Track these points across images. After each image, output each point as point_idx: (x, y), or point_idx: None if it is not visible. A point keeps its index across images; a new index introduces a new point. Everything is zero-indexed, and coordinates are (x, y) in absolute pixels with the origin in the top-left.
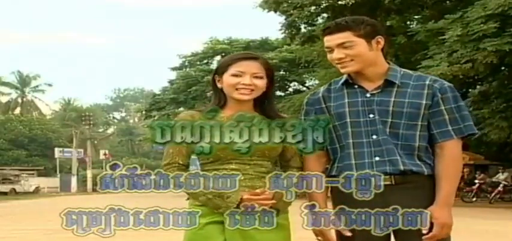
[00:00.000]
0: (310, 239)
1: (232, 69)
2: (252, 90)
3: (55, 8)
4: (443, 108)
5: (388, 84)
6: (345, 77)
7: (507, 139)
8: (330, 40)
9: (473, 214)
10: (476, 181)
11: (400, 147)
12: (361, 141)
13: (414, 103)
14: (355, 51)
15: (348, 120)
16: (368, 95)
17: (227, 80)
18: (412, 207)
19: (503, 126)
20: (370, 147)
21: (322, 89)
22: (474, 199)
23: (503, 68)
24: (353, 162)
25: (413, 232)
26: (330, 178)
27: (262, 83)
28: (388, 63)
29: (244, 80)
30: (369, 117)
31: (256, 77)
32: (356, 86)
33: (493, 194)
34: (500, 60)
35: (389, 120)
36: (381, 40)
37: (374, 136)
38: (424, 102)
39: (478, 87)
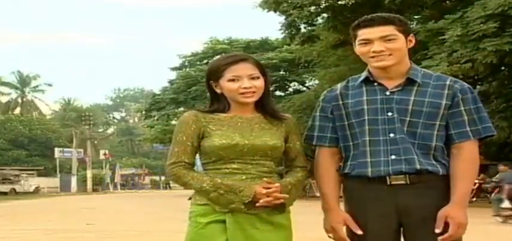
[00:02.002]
0: (315, 239)
1: (228, 75)
2: (254, 92)
3: (55, 8)
4: (462, 108)
5: (409, 82)
6: (365, 74)
7: (507, 139)
8: (371, 32)
9: (473, 214)
10: (476, 181)
11: (417, 146)
12: (378, 139)
13: (434, 102)
14: (396, 46)
15: (366, 117)
16: (387, 93)
17: (226, 86)
18: (424, 207)
19: (503, 126)
20: (386, 146)
21: (339, 85)
22: (474, 199)
23: (503, 68)
24: (368, 159)
25: (424, 231)
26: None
27: (260, 83)
28: (410, 62)
29: (243, 84)
30: (387, 115)
31: (253, 78)
32: (375, 84)
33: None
34: (500, 60)
35: (408, 118)
36: (412, 39)
37: (391, 135)
38: (444, 102)
39: (478, 87)
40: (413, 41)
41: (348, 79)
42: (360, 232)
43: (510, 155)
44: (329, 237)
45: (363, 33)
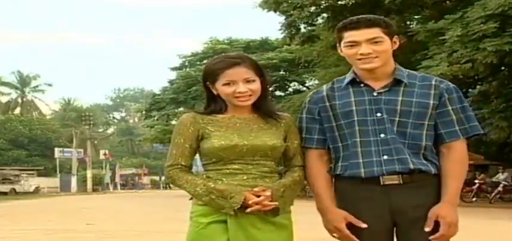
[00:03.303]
0: (315, 239)
1: (223, 79)
2: (250, 95)
3: (55, 8)
4: (450, 108)
5: (396, 83)
6: (350, 75)
7: (507, 139)
8: (358, 35)
9: (473, 214)
10: (476, 181)
11: (408, 146)
12: (369, 139)
13: (422, 102)
14: (382, 48)
15: (355, 118)
16: (375, 94)
17: (221, 90)
18: (418, 206)
19: (503, 126)
20: (377, 146)
21: (325, 87)
22: (474, 199)
23: (503, 68)
24: (360, 160)
25: (417, 231)
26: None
27: (256, 86)
28: (395, 63)
29: (239, 88)
30: (377, 116)
31: (249, 81)
32: (362, 85)
33: (493, 194)
34: (500, 60)
35: (397, 119)
36: (397, 40)
37: (382, 135)
38: (431, 102)
39: (478, 87)
40: (398, 43)
41: (333, 81)
42: (364, 225)
43: (510, 155)
44: (333, 236)
45: (349, 36)
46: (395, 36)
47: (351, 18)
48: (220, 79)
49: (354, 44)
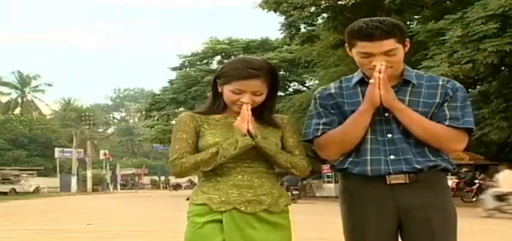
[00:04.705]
0: (315, 239)
1: (233, 86)
2: (251, 105)
3: (55, 8)
4: (448, 104)
5: (404, 83)
6: (359, 75)
7: (507, 139)
8: (373, 47)
9: (473, 214)
10: (476, 181)
11: (413, 145)
12: (377, 138)
13: (428, 103)
14: (397, 58)
15: None
16: None
17: (227, 94)
18: (423, 206)
19: (503, 126)
20: (385, 146)
21: (332, 85)
22: (474, 199)
23: (503, 68)
24: (368, 158)
25: (422, 230)
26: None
27: (261, 99)
28: (403, 64)
29: (243, 98)
30: (384, 116)
31: (256, 95)
32: None
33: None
34: (501, 60)
35: None
36: (408, 43)
37: (389, 135)
38: (437, 101)
39: (478, 87)
40: (409, 45)
41: (341, 80)
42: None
43: (510, 155)
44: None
45: (363, 47)
46: (407, 39)
47: (366, 24)
48: (231, 84)
49: (368, 55)
